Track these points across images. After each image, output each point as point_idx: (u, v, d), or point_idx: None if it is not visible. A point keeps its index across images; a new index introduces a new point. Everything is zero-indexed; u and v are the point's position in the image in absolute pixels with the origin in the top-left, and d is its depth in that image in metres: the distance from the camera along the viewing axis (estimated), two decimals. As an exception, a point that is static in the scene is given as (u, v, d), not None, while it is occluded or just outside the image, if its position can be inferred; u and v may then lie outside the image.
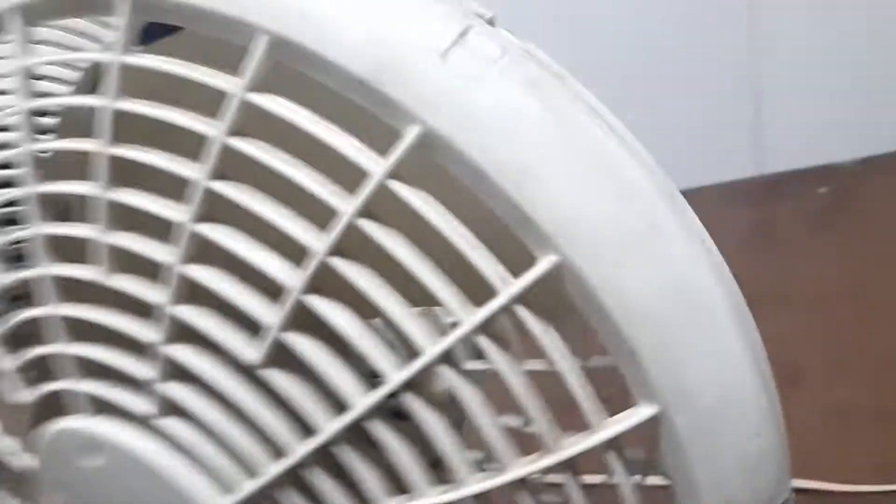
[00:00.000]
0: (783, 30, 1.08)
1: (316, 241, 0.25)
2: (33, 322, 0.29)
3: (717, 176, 1.03)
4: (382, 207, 0.25)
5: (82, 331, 0.29)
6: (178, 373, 0.27)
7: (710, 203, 0.25)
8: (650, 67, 1.04)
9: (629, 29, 1.05)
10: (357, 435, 0.27)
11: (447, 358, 0.26)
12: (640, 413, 0.26)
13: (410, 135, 0.25)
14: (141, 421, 0.28)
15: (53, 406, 0.29)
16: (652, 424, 0.26)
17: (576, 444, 0.26)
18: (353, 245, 0.26)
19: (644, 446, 0.27)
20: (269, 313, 0.26)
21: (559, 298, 0.26)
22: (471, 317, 0.25)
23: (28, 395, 0.30)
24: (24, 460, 0.31)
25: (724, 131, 1.10)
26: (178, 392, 0.27)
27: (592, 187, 0.25)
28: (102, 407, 0.29)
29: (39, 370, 0.30)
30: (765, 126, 1.10)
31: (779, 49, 1.09)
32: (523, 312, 0.25)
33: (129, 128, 0.27)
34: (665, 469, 0.27)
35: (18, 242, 0.30)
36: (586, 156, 0.25)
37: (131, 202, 0.26)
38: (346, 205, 0.25)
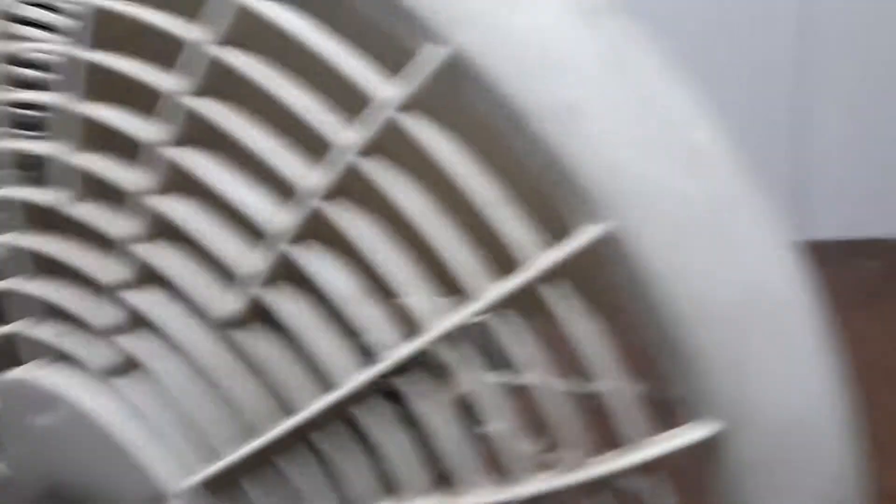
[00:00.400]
0: (831, 99, 1.04)
1: (304, 179, 0.21)
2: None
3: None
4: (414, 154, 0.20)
5: (46, 270, 0.25)
6: (142, 324, 0.23)
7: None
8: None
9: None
10: (346, 420, 0.22)
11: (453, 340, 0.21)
12: (694, 430, 0.21)
13: (434, 56, 0.20)
14: (99, 376, 0.24)
15: (8, 354, 0.26)
16: (706, 445, 0.21)
17: (606, 463, 0.21)
18: (373, 194, 0.21)
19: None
20: (246, 262, 0.21)
21: (600, 283, 0.21)
22: (485, 291, 0.21)
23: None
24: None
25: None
26: (138, 346, 0.23)
27: (655, 144, 0.20)
28: (62, 357, 0.25)
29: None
30: (811, 192, 1.07)
31: (828, 119, 1.05)
32: (552, 293, 0.20)
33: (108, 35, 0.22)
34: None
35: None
36: (650, 105, 0.20)
37: (99, 116, 0.22)
38: (344, 137, 0.20)
